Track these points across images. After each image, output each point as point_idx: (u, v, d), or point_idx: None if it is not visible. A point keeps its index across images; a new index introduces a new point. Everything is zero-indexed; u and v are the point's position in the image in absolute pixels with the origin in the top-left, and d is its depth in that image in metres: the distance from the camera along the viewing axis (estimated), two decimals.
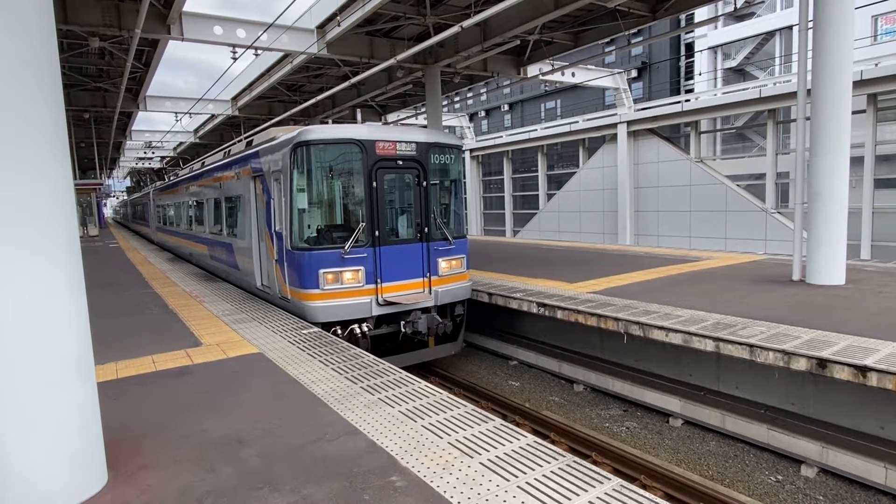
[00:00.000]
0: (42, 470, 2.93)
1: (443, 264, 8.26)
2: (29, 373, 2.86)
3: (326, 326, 7.34)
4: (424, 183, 8.01)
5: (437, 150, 8.19)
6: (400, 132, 8.22)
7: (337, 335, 7.23)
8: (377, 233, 7.63)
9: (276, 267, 8.20)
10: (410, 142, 7.90)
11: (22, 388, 2.85)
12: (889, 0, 18.57)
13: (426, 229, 8.06)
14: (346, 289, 7.47)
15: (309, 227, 7.64)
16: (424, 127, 18.53)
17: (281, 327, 7.07)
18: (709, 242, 19.64)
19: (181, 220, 16.41)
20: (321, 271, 7.34)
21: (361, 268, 7.54)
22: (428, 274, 8.11)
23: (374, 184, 7.57)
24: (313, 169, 7.55)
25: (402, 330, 7.91)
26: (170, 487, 3.17)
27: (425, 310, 8.05)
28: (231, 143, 12.98)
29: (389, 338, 8.06)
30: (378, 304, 7.68)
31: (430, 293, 8.09)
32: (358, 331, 7.52)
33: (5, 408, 2.84)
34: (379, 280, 7.67)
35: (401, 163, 7.83)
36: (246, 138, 11.27)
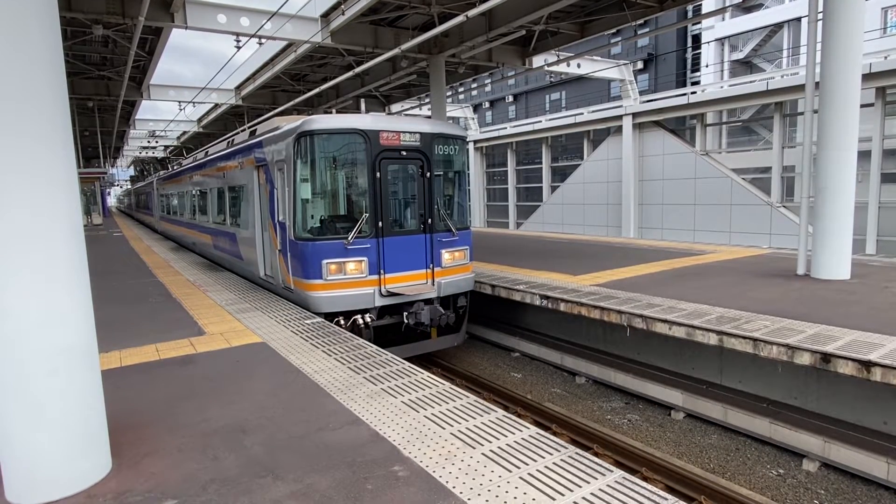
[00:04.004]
0: (46, 457, 2.95)
1: (446, 256, 8.24)
2: (33, 361, 2.87)
3: (329, 317, 7.32)
4: (428, 174, 7.96)
5: (442, 140, 8.14)
6: (404, 122, 8.17)
7: (340, 325, 7.22)
8: (380, 223, 7.60)
9: (279, 257, 8.20)
10: (414, 132, 7.83)
11: (26, 376, 2.86)
12: None
13: (430, 220, 8.04)
14: (349, 279, 7.45)
15: (312, 217, 7.62)
16: (428, 117, 18.45)
17: (284, 317, 7.08)
18: (713, 236, 19.57)
19: (185, 209, 16.41)
20: (324, 262, 7.32)
21: (364, 258, 7.52)
22: (431, 265, 8.09)
23: (378, 174, 7.53)
24: (317, 159, 7.50)
25: (405, 321, 7.91)
26: (174, 475, 3.19)
27: (428, 301, 8.05)
28: (234, 132, 12.94)
29: (392, 329, 8.06)
30: (381, 294, 7.66)
31: (433, 284, 8.09)
32: (361, 321, 7.51)
33: (9, 395, 2.86)
34: (382, 271, 7.65)
35: (405, 153, 7.78)
36: (249, 128, 11.23)
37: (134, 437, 3.68)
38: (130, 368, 5.17)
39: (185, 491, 3.02)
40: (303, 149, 7.41)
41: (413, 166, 7.97)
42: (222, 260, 12.09)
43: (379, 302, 7.68)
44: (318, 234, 7.49)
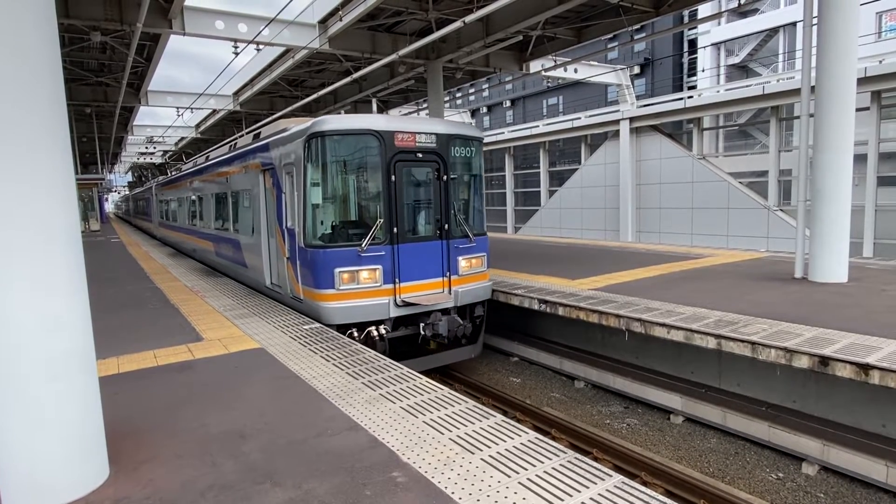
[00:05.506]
0: (44, 464, 2.94)
1: (463, 263, 7.86)
2: (30, 367, 2.86)
3: (342, 328, 6.97)
4: (444, 177, 7.58)
5: (458, 142, 7.77)
6: (419, 123, 7.81)
7: (353, 338, 6.89)
8: (395, 230, 7.24)
9: (287, 265, 7.86)
10: (430, 133, 7.45)
11: (23, 383, 2.86)
12: None
13: (446, 226, 7.65)
14: (362, 289, 7.08)
15: (322, 223, 7.26)
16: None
17: (282, 322, 7.07)
18: (711, 240, 19.60)
19: (185, 215, 16.22)
20: (337, 270, 6.95)
21: (379, 266, 7.14)
22: (448, 273, 7.70)
23: (393, 177, 7.16)
24: (329, 162, 7.16)
25: (422, 332, 7.53)
26: (172, 482, 3.18)
27: (445, 311, 7.68)
28: (236, 136, 12.88)
29: (405, 340, 7.69)
30: (396, 304, 7.28)
31: (450, 293, 7.70)
32: (375, 333, 7.15)
33: (7, 402, 2.85)
34: (397, 280, 7.27)
35: (420, 155, 7.40)
36: (252, 131, 11.08)
37: (132, 444, 3.66)
38: (128, 375, 5.15)
39: (183, 497, 3.00)
40: (314, 151, 7.06)
41: (429, 169, 7.60)
42: (225, 267, 11.82)
43: (394, 312, 7.29)
44: (329, 241, 7.16)
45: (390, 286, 7.26)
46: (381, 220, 7.14)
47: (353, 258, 7.03)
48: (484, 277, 8.36)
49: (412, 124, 7.56)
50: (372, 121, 7.39)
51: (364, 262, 7.08)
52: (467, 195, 8.25)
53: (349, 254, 7.04)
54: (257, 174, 9.02)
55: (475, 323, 8.37)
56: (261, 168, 8.84)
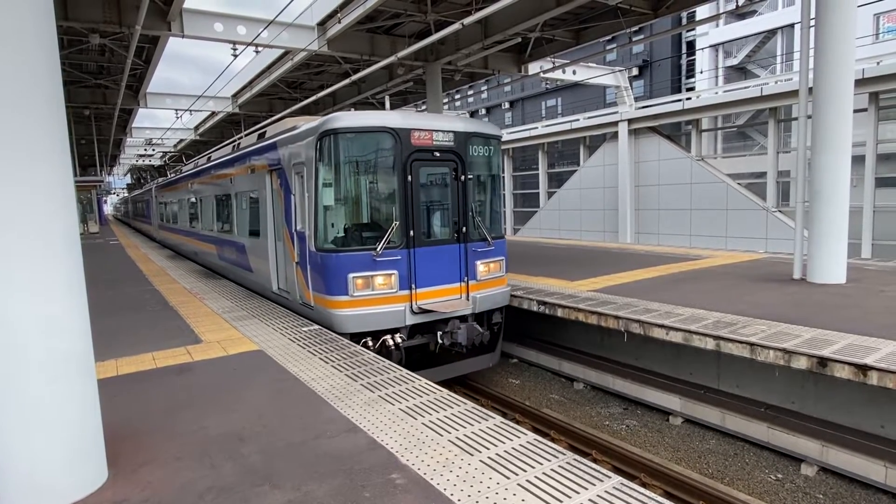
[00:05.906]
0: (42, 466, 2.93)
1: (481, 267, 7.55)
2: (29, 369, 2.86)
3: (356, 337, 6.66)
4: (462, 177, 7.27)
5: (477, 140, 7.47)
6: (436, 120, 7.43)
7: (367, 347, 6.61)
8: (412, 233, 6.90)
9: (296, 270, 7.55)
10: (448, 131, 7.14)
11: (22, 385, 2.85)
12: None
13: (464, 229, 7.34)
14: (377, 295, 6.76)
15: (334, 225, 6.93)
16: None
17: (281, 324, 7.07)
18: (709, 241, 19.64)
19: (187, 217, 15.95)
20: (350, 275, 6.62)
21: (395, 271, 6.81)
22: (465, 278, 7.39)
23: (409, 178, 6.82)
24: (341, 161, 6.80)
25: (440, 341, 7.22)
26: (170, 484, 3.17)
27: (462, 318, 7.37)
28: (238, 136, 12.76)
29: (414, 349, 7.39)
30: (412, 312, 6.95)
31: (468, 299, 7.40)
32: (391, 342, 6.85)
33: (6, 404, 2.84)
34: (413, 285, 6.93)
35: (437, 154, 7.08)
36: (256, 131, 10.88)
37: (130, 447, 3.66)
38: (127, 377, 5.15)
39: (181, 500, 3.00)
40: (326, 150, 6.73)
41: (446, 169, 7.27)
42: (228, 271, 11.55)
43: (410, 320, 6.97)
44: (342, 245, 6.82)
45: (406, 292, 6.93)
46: (397, 223, 6.82)
47: (368, 263, 6.72)
48: (502, 282, 8.03)
49: (429, 121, 7.22)
50: (387, 118, 7.09)
51: (379, 267, 6.75)
52: (485, 196, 7.89)
53: (363, 258, 6.72)
54: (264, 175, 8.74)
55: (493, 330, 8.06)
56: (268, 168, 8.56)
